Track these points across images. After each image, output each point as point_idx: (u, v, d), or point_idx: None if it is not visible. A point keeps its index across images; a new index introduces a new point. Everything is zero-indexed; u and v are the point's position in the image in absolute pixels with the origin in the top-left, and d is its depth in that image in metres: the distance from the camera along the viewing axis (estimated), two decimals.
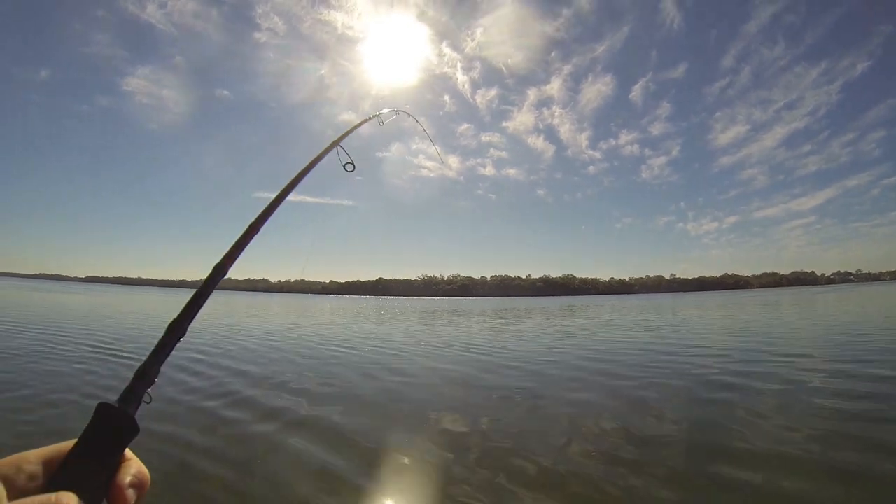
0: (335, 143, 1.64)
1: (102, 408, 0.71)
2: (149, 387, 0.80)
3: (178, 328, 0.91)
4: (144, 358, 0.85)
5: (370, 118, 1.79)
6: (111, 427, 0.70)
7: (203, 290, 1.02)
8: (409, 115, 2.13)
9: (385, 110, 1.86)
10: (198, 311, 1.01)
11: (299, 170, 1.55)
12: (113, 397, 0.72)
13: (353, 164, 1.66)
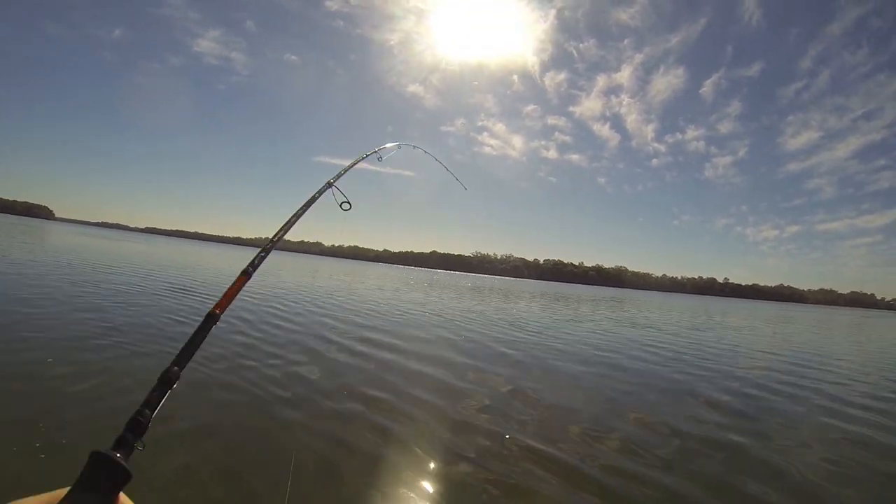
0: (329, 185, 1.67)
1: (95, 455, 0.77)
2: (141, 435, 0.85)
3: (169, 378, 0.97)
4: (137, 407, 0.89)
5: (367, 155, 1.79)
6: (104, 474, 0.75)
7: (196, 338, 1.08)
8: (417, 147, 2.10)
9: (388, 145, 1.85)
10: (190, 358, 1.06)
11: (294, 211, 1.60)
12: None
13: (348, 202, 1.68)
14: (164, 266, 21.85)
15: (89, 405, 4.07)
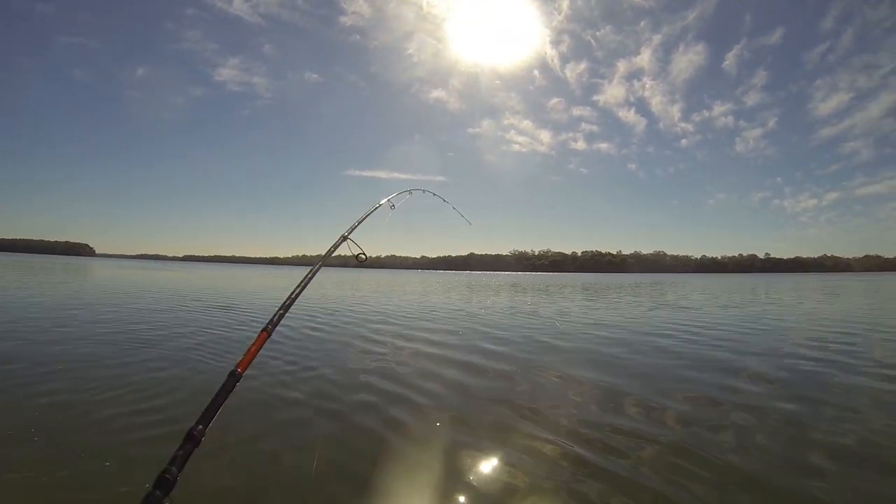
0: (344, 238, 1.77)
1: None
2: (168, 493, 0.92)
3: (195, 436, 1.04)
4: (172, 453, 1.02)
5: (378, 206, 1.87)
6: None
7: (219, 397, 1.18)
8: (426, 191, 2.17)
9: (394, 194, 1.92)
10: (214, 416, 1.16)
11: (313, 266, 1.70)
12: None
13: (364, 254, 1.78)
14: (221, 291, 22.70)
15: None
